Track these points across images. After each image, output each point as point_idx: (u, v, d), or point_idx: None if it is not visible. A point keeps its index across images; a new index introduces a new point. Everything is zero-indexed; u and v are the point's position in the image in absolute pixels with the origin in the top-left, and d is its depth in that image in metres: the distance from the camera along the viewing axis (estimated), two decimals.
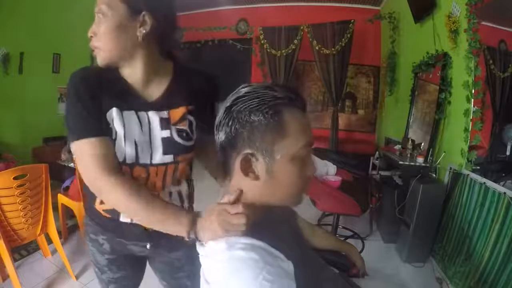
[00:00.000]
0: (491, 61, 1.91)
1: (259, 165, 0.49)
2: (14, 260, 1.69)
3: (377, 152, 3.16)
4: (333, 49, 3.83)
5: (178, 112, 0.72)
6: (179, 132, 0.72)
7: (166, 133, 0.70)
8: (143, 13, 0.65)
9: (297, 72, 4.56)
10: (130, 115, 0.69)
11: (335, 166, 2.33)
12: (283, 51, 4.09)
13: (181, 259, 0.86)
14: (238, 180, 0.51)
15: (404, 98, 3.21)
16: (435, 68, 2.47)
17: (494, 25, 1.94)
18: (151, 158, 0.70)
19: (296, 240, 0.64)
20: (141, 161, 0.70)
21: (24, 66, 3.08)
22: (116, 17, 0.65)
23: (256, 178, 0.49)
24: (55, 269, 1.87)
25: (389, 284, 1.87)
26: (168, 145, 0.71)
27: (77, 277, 1.79)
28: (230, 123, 0.49)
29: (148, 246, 0.81)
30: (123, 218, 0.76)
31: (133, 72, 0.70)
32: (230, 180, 0.54)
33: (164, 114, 0.71)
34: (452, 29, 2.06)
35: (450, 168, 2.03)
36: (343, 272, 0.93)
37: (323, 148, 3.84)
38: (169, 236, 0.79)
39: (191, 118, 0.74)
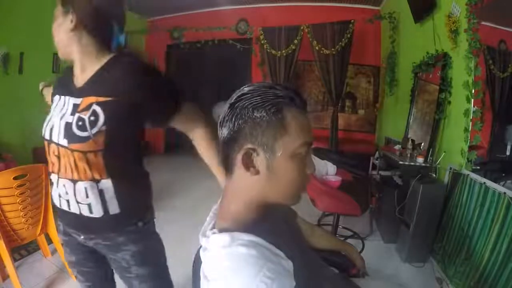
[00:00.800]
0: (491, 61, 1.91)
1: (260, 160, 0.50)
2: (14, 260, 1.69)
3: (377, 152, 3.16)
4: (333, 49, 3.83)
5: (87, 100, 0.76)
6: (78, 120, 0.75)
7: (70, 119, 0.76)
8: (70, 10, 0.77)
9: (297, 72, 4.56)
10: (61, 100, 0.82)
11: (335, 166, 2.33)
12: (283, 51, 4.09)
13: (128, 260, 0.85)
14: (239, 175, 0.52)
15: (404, 98, 3.21)
16: (435, 68, 2.47)
17: (494, 25, 1.94)
18: (58, 138, 0.78)
19: (296, 240, 0.64)
20: (54, 139, 0.79)
21: (24, 66, 3.08)
22: (57, 17, 0.79)
23: (257, 172, 0.50)
24: (55, 269, 1.87)
25: (389, 284, 1.87)
26: (66, 130, 0.76)
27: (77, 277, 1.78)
28: (233, 119, 0.50)
29: (82, 237, 0.84)
30: (55, 200, 0.84)
31: (75, 63, 0.83)
32: (230, 176, 0.55)
33: (78, 101, 0.77)
34: (452, 29, 2.07)
35: (450, 168, 2.03)
36: (343, 272, 0.93)
37: (323, 148, 3.83)
38: (104, 235, 0.83)
39: (97, 109, 0.74)
